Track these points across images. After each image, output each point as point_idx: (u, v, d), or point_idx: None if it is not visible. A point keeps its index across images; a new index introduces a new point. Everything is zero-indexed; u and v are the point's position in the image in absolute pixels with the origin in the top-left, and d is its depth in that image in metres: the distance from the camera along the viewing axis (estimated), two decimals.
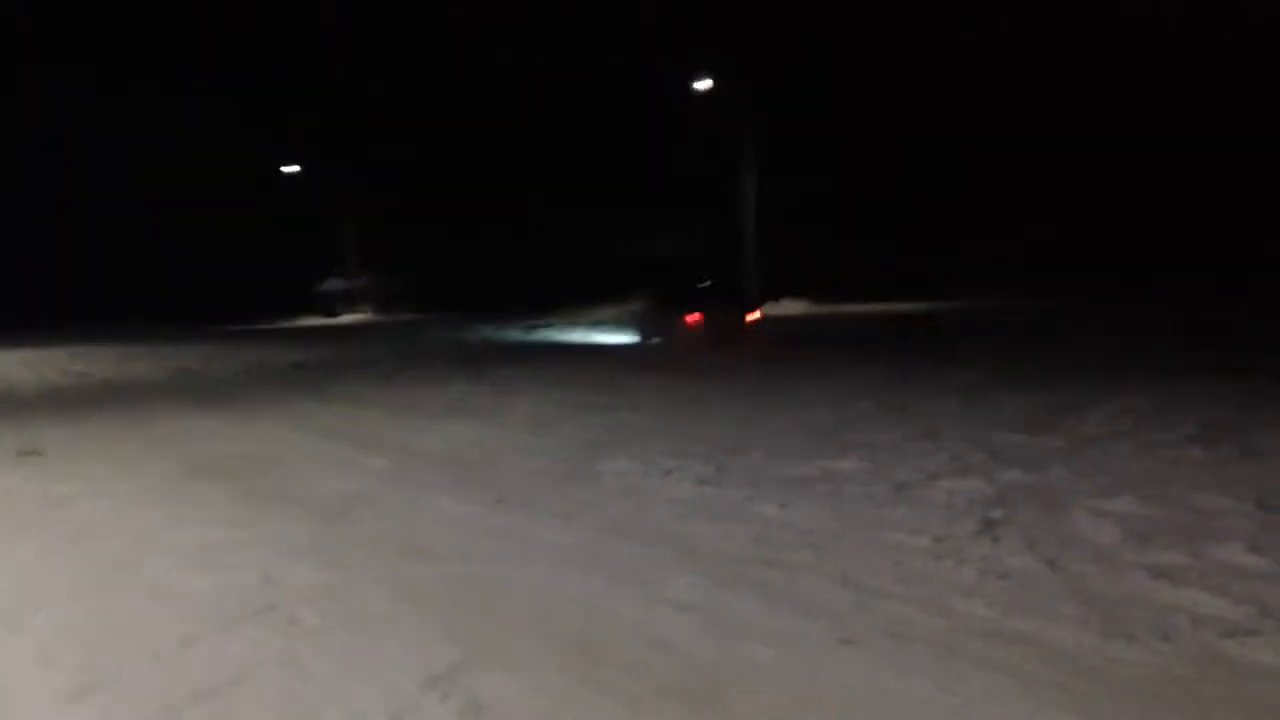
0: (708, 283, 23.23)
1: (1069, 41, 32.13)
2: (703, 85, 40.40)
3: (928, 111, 35.61)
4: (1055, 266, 31.16)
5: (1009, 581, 4.28)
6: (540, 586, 4.52)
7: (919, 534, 5.02)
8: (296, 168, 48.90)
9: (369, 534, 5.58)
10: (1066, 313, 21.91)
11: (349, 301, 49.80)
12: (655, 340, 20.27)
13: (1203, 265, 26.48)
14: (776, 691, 3.35)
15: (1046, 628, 3.76)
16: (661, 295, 22.13)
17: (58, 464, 8.35)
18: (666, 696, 3.35)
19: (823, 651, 3.66)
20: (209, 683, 3.59)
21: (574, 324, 33.13)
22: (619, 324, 23.22)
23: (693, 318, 20.83)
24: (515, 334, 28.39)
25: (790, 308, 37.17)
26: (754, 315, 21.95)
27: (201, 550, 5.33)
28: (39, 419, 11.64)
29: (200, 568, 5.01)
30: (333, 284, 50.99)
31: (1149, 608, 3.90)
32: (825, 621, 3.94)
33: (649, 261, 28.38)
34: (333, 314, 49.14)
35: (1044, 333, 17.62)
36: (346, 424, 9.91)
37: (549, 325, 31.10)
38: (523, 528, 5.56)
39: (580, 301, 42.84)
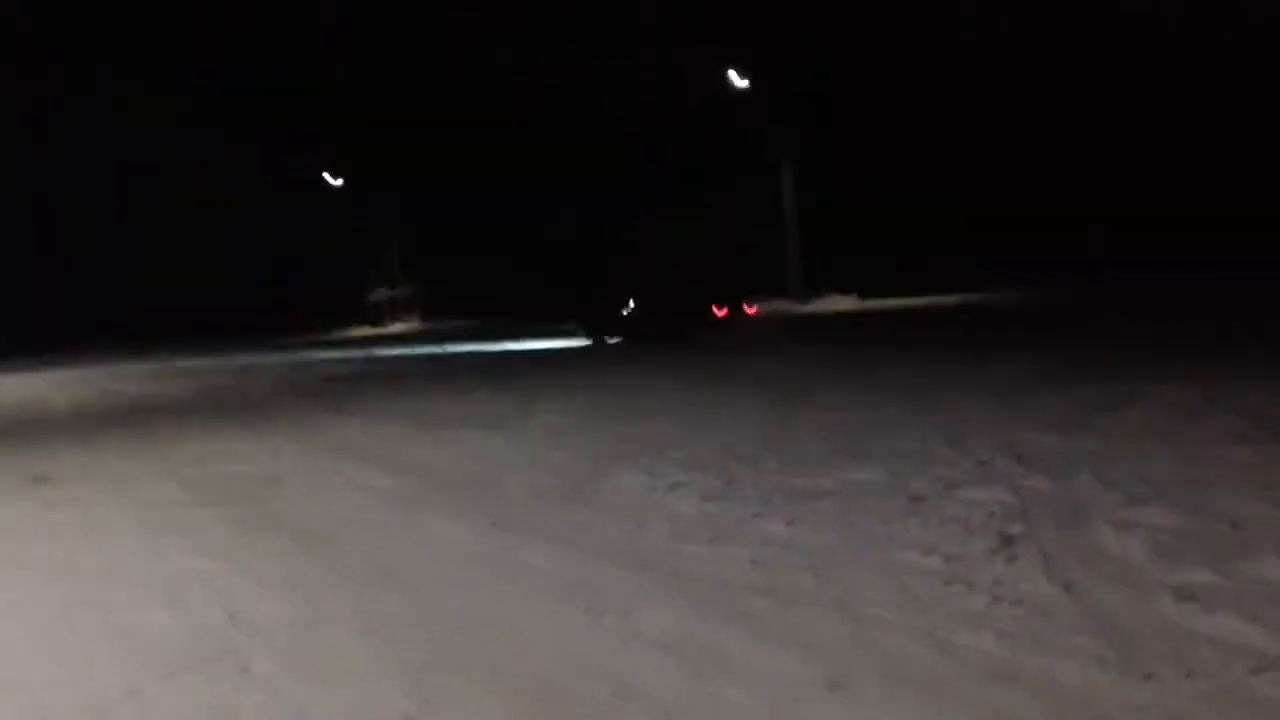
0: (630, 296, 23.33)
1: (1107, 29, 31.32)
2: (739, 81, 40.11)
3: (966, 98, 34.86)
4: (1104, 256, 30.38)
5: (1021, 609, 3.89)
6: (514, 623, 4.20)
7: (930, 553, 4.63)
8: (339, 181, 49.18)
9: (351, 563, 5.30)
10: (1114, 304, 21.27)
11: (395, 311, 50.02)
12: (610, 341, 20.55)
13: (1246, 253, 25.62)
14: None
15: (1056, 665, 3.37)
16: (613, 295, 22.43)
17: (62, 490, 8.18)
18: None
19: (803, 697, 3.30)
20: None
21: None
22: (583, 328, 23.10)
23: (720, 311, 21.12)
24: (549, 338, 28.17)
25: (838, 303, 36.64)
26: (723, 312, 22.10)
27: (174, 584, 5.08)
28: (63, 441, 11.56)
29: (167, 604, 4.75)
30: (379, 294, 51.26)
31: (1173, 638, 3.50)
32: (813, 659, 3.58)
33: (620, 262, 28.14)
34: (379, 324, 49.37)
35: (1092, 324, 17.05)
36: (360, 440, 9.68)
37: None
38: (511, 553, 5.25)
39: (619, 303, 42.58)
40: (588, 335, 21.77)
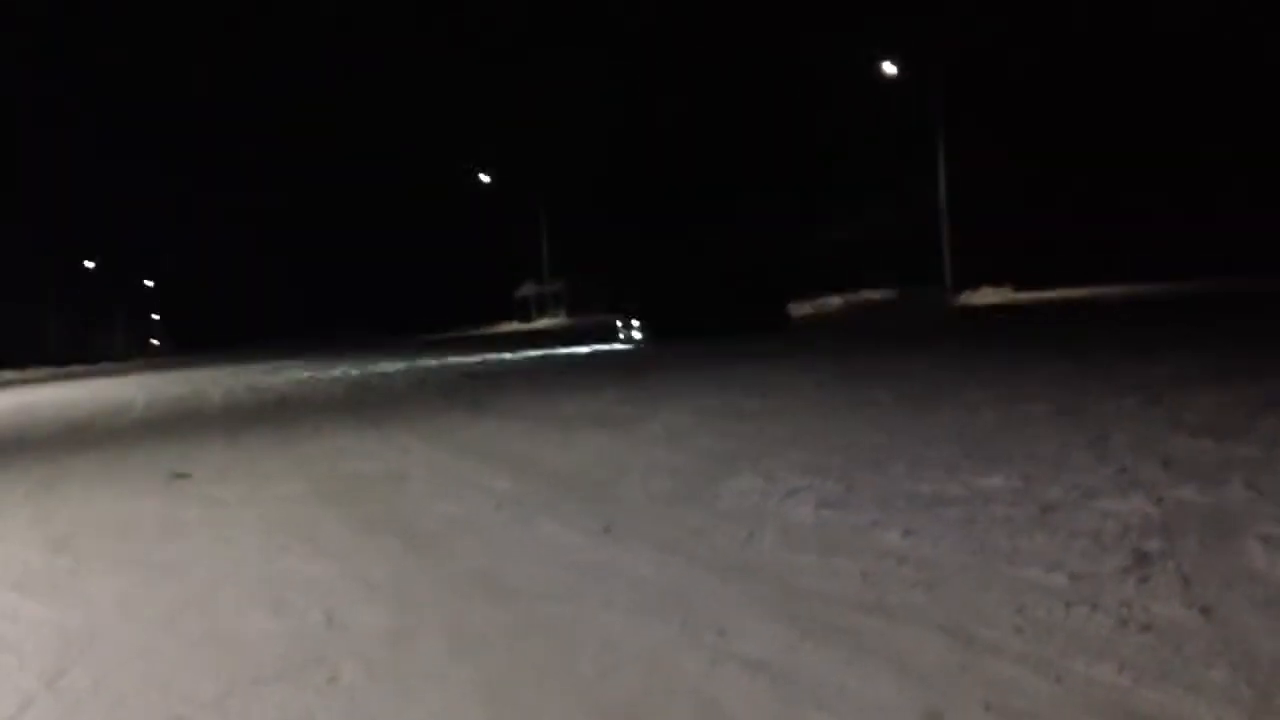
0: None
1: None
2: (889, 68, 39.24)
3: (1123, 81, 33.32)
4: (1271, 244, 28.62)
5: (1150, 635, 3.56)
6: (609, 636, 4.05)
7: (1055, 570, 4.30)
8: (487, 179, 49.98)
9: (458, 569, 5.23)
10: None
11: (543, 306, 50.59)
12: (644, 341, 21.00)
13: None
14: None
15: (1183, 701, 3.04)
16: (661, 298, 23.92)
17: (198, 487, 8.39)
18: None
19: None
20: None
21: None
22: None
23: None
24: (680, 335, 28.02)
25: (989, 296, 35.55)
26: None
27: (281, 587, 5.09)
28: (208, 437, 11.93)
29: (271, 608, 4.76)
30: (527, 289, 51.90)
31: None
32: (913, 687, 3.32)
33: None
34: (528, 319, 50.02)
35: (1269, 319, 16.02)
36: (488, 439, 9.68)
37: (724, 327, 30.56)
38: (619, 561, 5.10)
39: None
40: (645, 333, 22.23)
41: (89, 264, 76.70)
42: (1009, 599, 4.04)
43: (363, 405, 14.14)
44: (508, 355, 23.42)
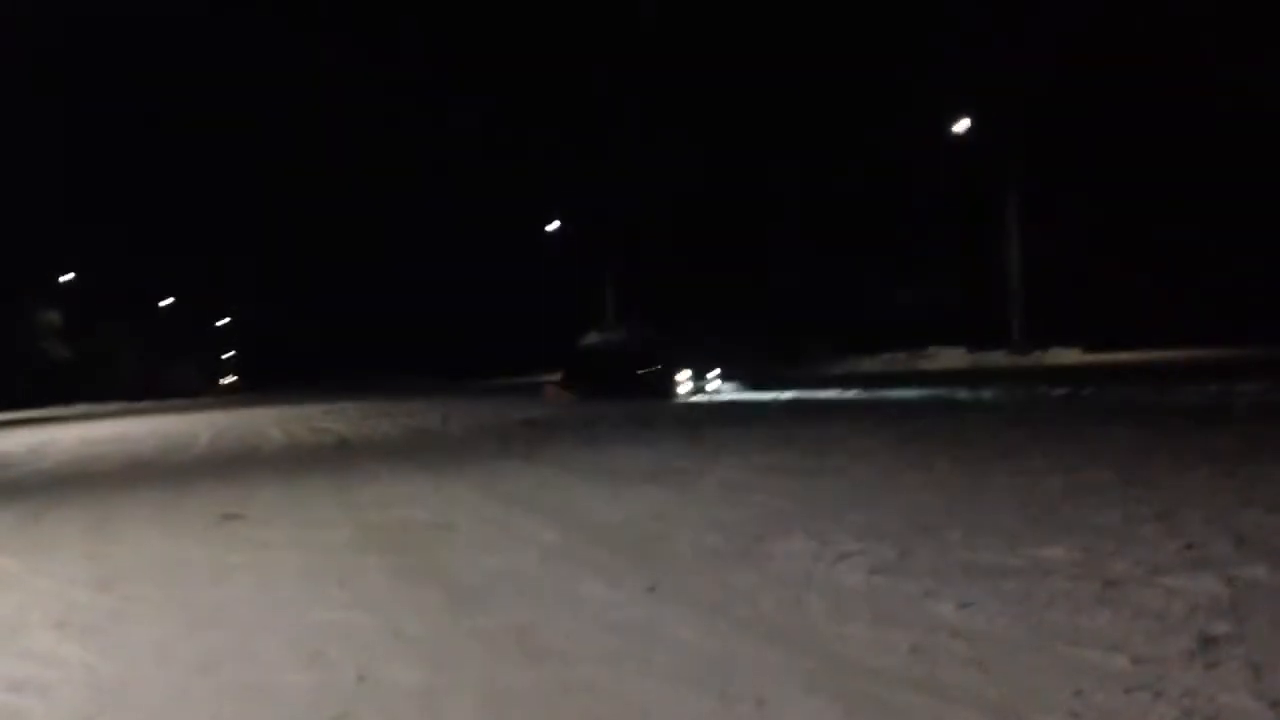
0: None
1: None
2: (961, 126, 39.03)
3: (1202, 138, 32.76)
4: None
5: None
6: (642, 704, 3.91)
7: (1116, 652, 4.09)
8: (554, 227, 50.35)
9: (495, 626, 5.12)
10: None
11: None
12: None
13: None
14: None
15: None
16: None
17: (247, 529, 8.38)
18: None
19: None
20: None
21: (819, 377, 32.32)
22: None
23: None
24: (752, 388, 27.89)
25: (1061, 357, 34.93)
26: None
27: (317, 639, 5.01)
28: (263, 478, 11.97)
29: (304, 662, 4.68)
30: (591, 338, 51.99)
31: None
32: None
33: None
34: None
35: None
36: (539, 490, 9.58)
37: (790, 381, 30.39)
38: (661, 623, 4.96)
39: (835, 354, 41.92)
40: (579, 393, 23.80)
41: (164, 302, 78.46)
42: (1067, 681, 3.84)
43: (418, 450, 14.14)
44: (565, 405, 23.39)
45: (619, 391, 22.54)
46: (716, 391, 25.79)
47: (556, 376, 25.69)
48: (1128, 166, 35.62)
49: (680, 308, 47.24)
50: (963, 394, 19.04)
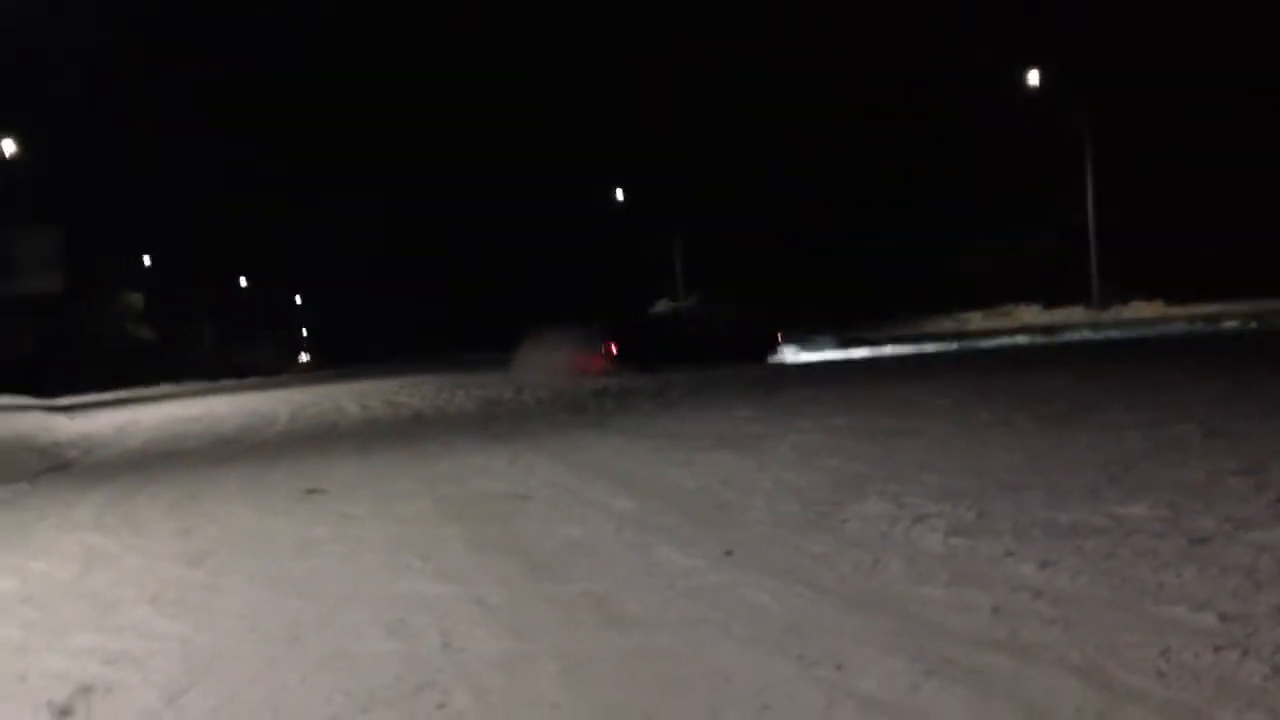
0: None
1: None
2: (1032, 78, 38.22)
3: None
4: None
5: None
6: (721, 668, 3.93)
7: (1204, 609, 4.03)
8: (622, 196, 50.33)
9: (574, 593, 5.17)
10: None
11: None
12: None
13: None
14: None
15: None
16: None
17: (330, 503, 8.53)
18: None
19: None
20: None
21: (898, 336, 32.06)
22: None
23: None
24: (827, 350, 27.74)
25: (1143, 310, 34.26)
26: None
27: (401, 608, 5.10)
28: (343, 452, 12.18)
29: (388, 630, 4.77)
30: (662, 306, 51.91)
31: None
32: None
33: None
34: None
35: None
36: (613, 458, 9.64)
37: (870, 341, 30.19)
38: (738, 588, 4.97)
39: (914, 313, 41.50)
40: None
41: (242, 281, 79.93)
42: (1153, 639, 3.79)
43: (493, 421, 14.27)
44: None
45: (703, 358, 22.35)
46: (797, 354, 25.94)
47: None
48: (1206, 117, 34.67)
49: (749, 277, 47.06)
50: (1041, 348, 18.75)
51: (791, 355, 25.71)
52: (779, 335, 25.49)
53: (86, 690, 4.29)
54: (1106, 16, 38.52)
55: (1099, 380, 12.43)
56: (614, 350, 23.20)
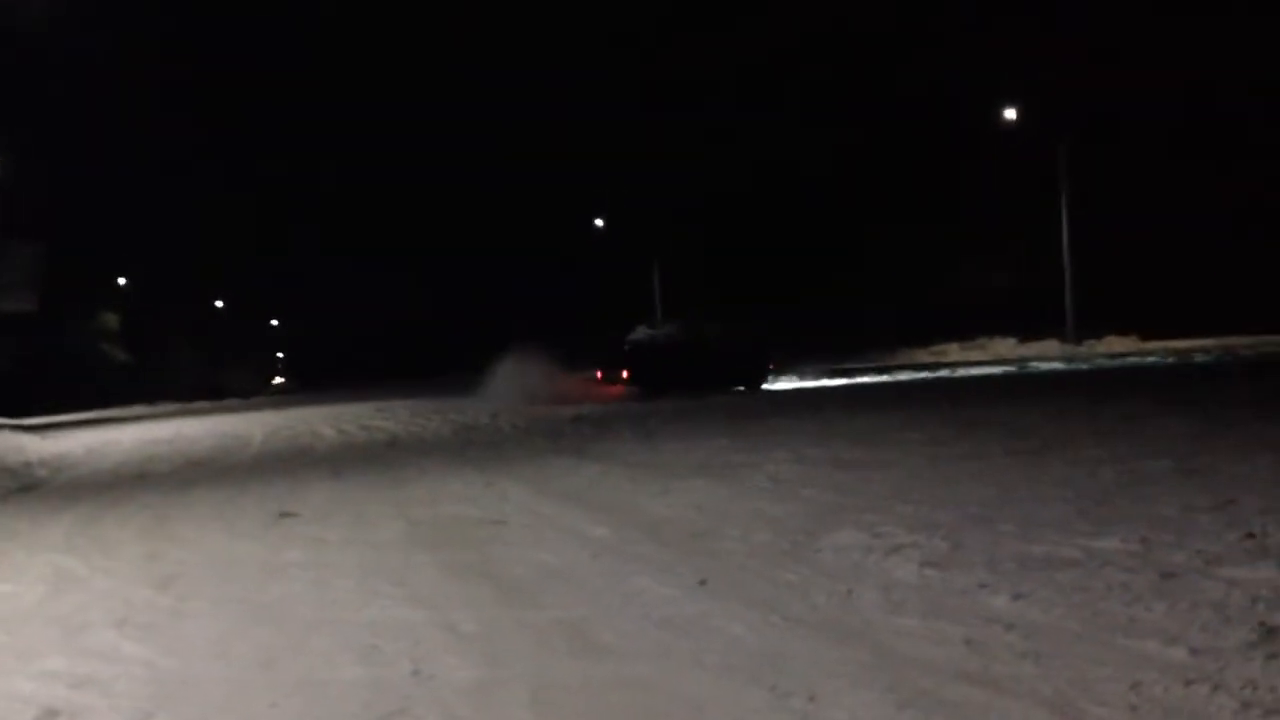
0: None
1: None
2: (1010, 113, 38.60)
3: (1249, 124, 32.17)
4: None
5: None
6: (694, 699, 3.92)
7: (1175, 643, 4.04)
8: (601, 223, 50.48)
9: (547, 620, 5.15)
10: None
11: None
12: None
13: None
14: None
15: None
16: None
17: (302, 527, 8.48)
18: None
19: None
20: None
21: (872, 367, 32.16)
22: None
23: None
24: (807, 380, 27.80)
25: (1116, 344, 34.51)
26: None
27: (371, 634, 5.06)
28: (316, 476, 12.12)
29: (358, 657, 4.73)
30: (640, 332, 51.98)
31: None
32: None
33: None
34: None
35: None
36: (589, 487, 9.62)
37: (843, 371, 30.28)
38: (711, 618, 4.96)
39: (887, 345, 41.66)
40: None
41: (218, 303, 79.53)
42: (1124, 673, 3.80)
43: (469, 447, 14.23)
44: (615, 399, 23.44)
45: (696, 385, 22.41)
46: (792, 382, 26.25)
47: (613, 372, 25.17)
48: (1177, 152, 35.11)
49: (725, 303, 47.17)
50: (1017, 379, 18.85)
51: (786, 383, 25.93)
52: (771, 363, 25.60)
53: (52, 715, 4.24)
54: (1084, 49, 38.96)
55: (1072, 414, 12.50)
56: (626, 375, 23.43)
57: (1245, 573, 4.85)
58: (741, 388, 23.91)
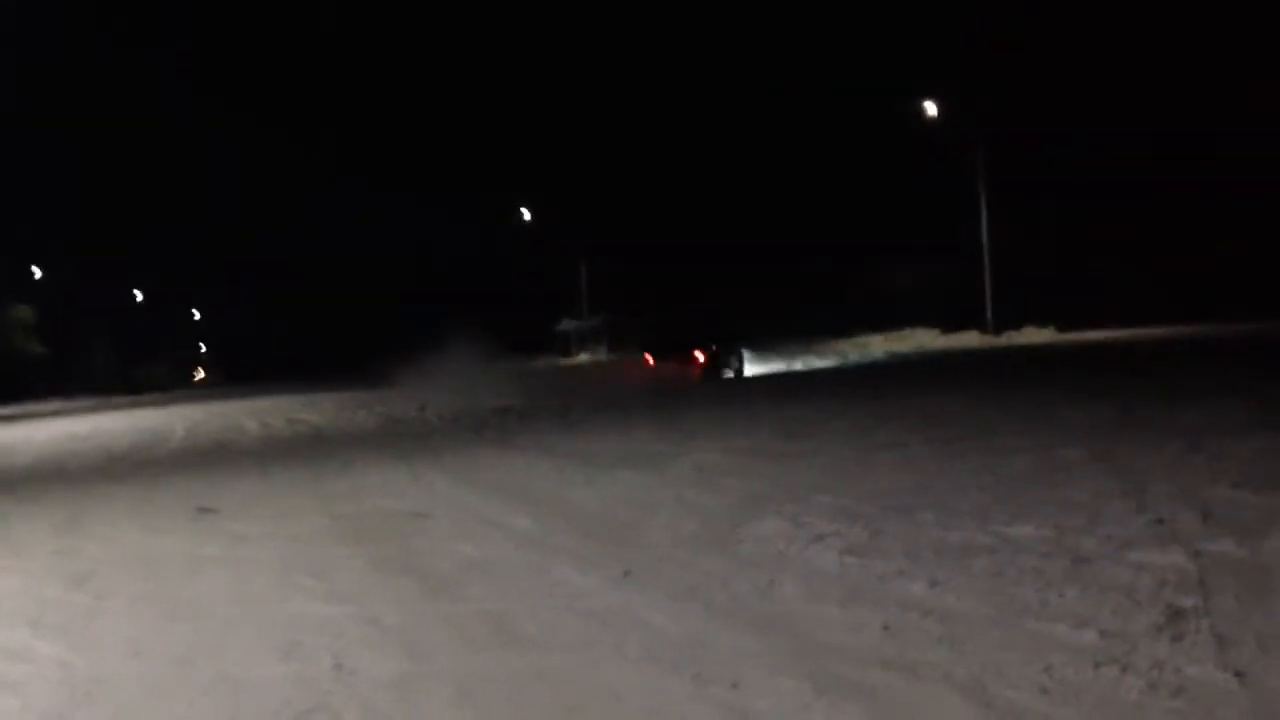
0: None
1: None
2: (930, 108, 39.10)
3: (1168, 120, 32.97)
4: None
5: (1181, 700, 3.40)
6: (615, 689, 3.94)
7: (1085, 627, 4.14)
8: (528, 215, 50.32)
9: (470, 613, 5.13)
10: None
11: (582, 342, 50.59)
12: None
13: None
14: None
15: None
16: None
17: (222, 522, 8.36)
18: None
19: None
20: None
21: (798, 358, 32.38)
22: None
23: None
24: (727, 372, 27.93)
25: (1033, 336, 35.14)
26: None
27: (291, 630, 5.01)
28: (239, 470, 11.94)
29: (278, 653, 4.68)
30: (567, 325, 51.97)
31: None
32: None
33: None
34: (567, 354, 50.01)
35: None
36: (514, 477, 9.60)
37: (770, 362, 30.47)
38: (635, 609, 4.98)
39: (811, 336, 42.03)
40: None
41: (138, 295, 77.87)
42: (1036, 656, 3.89)
43: (394, 439, 14.12)
44: (540, 391, 23.40)
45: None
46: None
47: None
48: (1099, 151, 35.85)
49: (660, 300, 47.30)
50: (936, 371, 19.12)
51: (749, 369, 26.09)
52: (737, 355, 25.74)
53: None
54: (1005, 47, 39.55)
55: (991, 403, 12.71)
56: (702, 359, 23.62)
57: (1154, 557, 4.97)
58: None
